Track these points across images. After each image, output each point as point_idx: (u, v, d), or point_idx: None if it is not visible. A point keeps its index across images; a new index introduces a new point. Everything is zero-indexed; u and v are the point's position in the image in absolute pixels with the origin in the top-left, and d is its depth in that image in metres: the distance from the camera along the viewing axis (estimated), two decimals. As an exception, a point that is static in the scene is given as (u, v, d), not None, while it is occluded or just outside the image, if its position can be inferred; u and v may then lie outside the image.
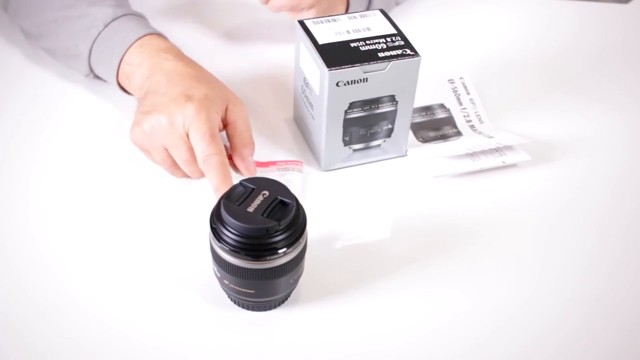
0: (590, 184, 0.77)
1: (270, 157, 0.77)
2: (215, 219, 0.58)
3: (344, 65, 0.69)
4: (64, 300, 0.63)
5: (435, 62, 0.92)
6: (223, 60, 0.91)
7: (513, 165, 0.77)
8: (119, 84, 0.78)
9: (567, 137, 0.82)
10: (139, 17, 0.80)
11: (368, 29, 0.73)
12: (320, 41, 0.72)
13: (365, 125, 0.74)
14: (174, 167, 0.71)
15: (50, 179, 0.74)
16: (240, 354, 0.60)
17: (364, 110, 0.72)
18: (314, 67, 0.71)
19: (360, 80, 0.70)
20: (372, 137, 0.75)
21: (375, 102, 0.72)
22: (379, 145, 0.76)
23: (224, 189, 0.64)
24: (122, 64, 0.76)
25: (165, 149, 0.70)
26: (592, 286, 0.66)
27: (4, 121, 0.81)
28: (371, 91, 0.71)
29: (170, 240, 0.68)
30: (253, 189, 0.58)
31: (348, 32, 0.73)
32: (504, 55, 0.95)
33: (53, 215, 0.70)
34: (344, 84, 0.69)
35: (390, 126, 0.74)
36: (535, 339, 0.62)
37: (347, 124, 0.73)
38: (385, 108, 0.73)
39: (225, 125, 0.73)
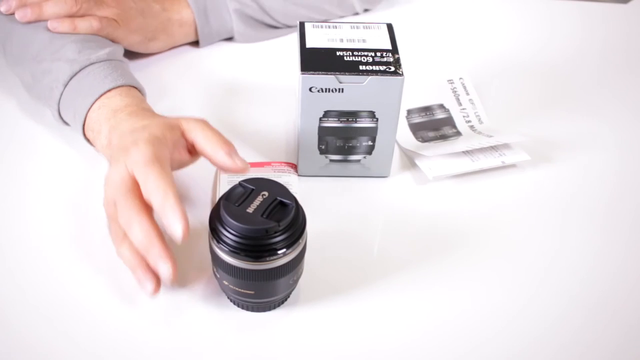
0: (590, 184, 0.77)
1: (268, 157, 0.78)
2: (215, 219, 0.58)
3: (319, 71, 0.69)
4: (64, 300, 0.63)
5: (434, 63, 0.93)
6: (227, 62, 0.92)
7: (512, 166, 0.78)
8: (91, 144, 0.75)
9: (566, 137, 0.83)
10: (102, 62, 0.75)
11: (363, 40, 0.72)
12: (308, 44, 0.72)
13: (342, 137, 0.73)
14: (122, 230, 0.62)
15: (51, 177, 0.75)
16: (240, 354, 0.60)
17: (341, 122, 0.72)
18: (297, 69, 0.71)
19: (336, 90, 0.69)
20: (351, 150, 0.74)
21: (353, 115, 0.71)
22: (358, 161, 0.75)
23: (167, 207, 0.59)
24: (85, 129, 0.73)
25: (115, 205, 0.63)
26: (593, 286, 0.67)
27: (5, 117, 0.82)
28: (348, 103, 0.70)
29: (170, 240, 0.67)
30: (252, 189, 0.58)
31: (341, 40, 0.72)
32: (503, 55, 0.96)
33: (53, 215, 0.71)
34: (318, 91, 0.69)
35: (370, 143, 0.73)
36: (537, 337, 0.62)
37: (322, 132, 0.72)
38: (365, 123, 0.72)
39: (191, 147, 0.67)
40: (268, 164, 0.76)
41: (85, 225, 0.70)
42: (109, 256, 0.67)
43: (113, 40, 0.82)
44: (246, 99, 0.87)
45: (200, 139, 0.66)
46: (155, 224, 0.60)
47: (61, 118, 0.77)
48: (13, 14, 0.78)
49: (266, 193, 0.58)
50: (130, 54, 0.85)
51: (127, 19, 0.83)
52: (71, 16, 0.78)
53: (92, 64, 0.75)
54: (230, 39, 0.95)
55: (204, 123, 0.67)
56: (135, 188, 0.61)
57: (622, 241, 0.71)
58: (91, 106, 0.72)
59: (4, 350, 0.59)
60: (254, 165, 0.75)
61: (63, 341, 0.60)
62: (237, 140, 0.77)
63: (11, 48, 0.79)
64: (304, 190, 0.74)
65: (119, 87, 0.73)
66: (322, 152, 0.74)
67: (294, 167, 0.76)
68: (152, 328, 0.62)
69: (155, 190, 0.59)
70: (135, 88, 0.75)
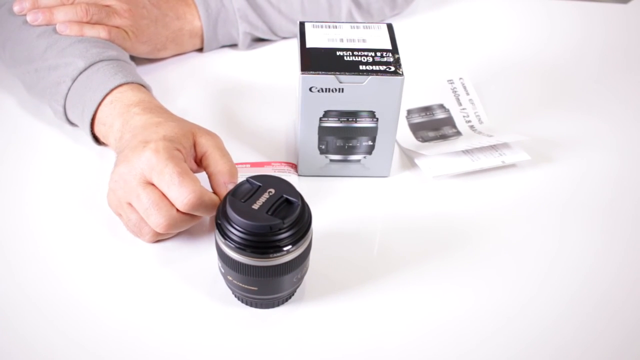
0: (590, 184, 0.79)
1: (268, 157, 0.80)
2: (221, 215, 0.60)
3: (319, 71, 0.71)
4: (66, 298, 0.65)
5: (434, 63, 0.95)
6: (227, 62, 0.95)
7: (512, 165, 0.80)
8: (97, 141, 0.77)
9: (566, 136, 0.85)
10: (111, 61, 0.77)
11: (364, 40, 0.74)
12: (308, 44, 0.74)
13: (342, 137, 0.75)
14: (141, 225, 0.68)
15: (52, 176, 0.77)
16: (244, 350, 0.62)
17: (341, 122, 0.73)
18: (297, 69, 0.73)
19: (336, 90, 0.71)
20: (351, 150, 0.76)
21: (353, 115, 0.73)
22: (358, 161, 0.77)
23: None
24: (95, 122, 0.75)
25: (130, 206, 0.67)
26: (593, 285, 0.69)
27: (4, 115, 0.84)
28: (348, 103, 0.72)
29: (177, 236, 0.70)
30: (259, 186, 0.60)
31: (341, 40, 0.75)
32: (503, 55, 0.98)
33: (54, 213, 0.73)
34: (318, 91, 0.71)
35: (370, 143, 0.75)
36: (538, 335, 0.64)
37: (322, 132, 0.74)
38: (365, 123, 0.74)
39: (199, 160, 0.70)
40: (268, 164, 0.78)
41: (86, 224, 0.72)
42: (112, 253, 0.69)
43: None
44: (246, 98, 0.89)
45: (209, 155, 0.69)
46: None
47: (65, 115, 0.78)
48: (24, 15, 0.81)
49: (273, 190, 0.60)
50: (132, 56, 0.87)
51: (138, 31, 0.85)
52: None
53: (102, 60, 0.77)
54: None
55: (218, 141, 0.71)
56: (150, 191, 0.65)
57: (622, 240, 0.73)
58: (103, 100, 0.74)
59: (4, 350, 0.61)
60: (254, 165, 0.78)
61: (65, 339, 0.62)
62: (237, 140, 0.81)
63: (13, 47, 0.81)
64: (304, 190, 0.75)
65: (130, 83, 0.76)
66: (322, 152, 0.76)
67: (294, 167, 0.79)
68: (157, 324, 0.63)
69: (200, 211, 0.65)
70: (144, 87, 0.78)
